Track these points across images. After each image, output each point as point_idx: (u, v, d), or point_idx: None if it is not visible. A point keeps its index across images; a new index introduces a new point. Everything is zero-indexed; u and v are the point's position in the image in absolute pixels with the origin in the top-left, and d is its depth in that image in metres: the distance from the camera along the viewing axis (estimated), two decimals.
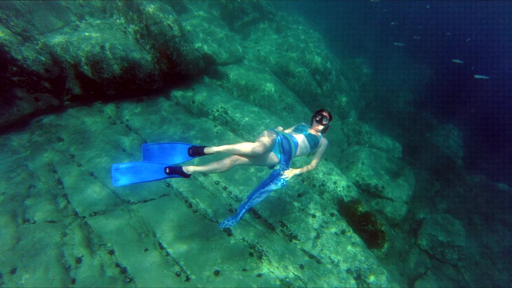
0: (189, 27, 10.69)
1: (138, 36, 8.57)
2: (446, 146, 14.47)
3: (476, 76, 15.30)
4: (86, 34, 7.88)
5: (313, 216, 6.88)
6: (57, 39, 7.58)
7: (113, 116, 8.16)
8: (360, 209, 7.92)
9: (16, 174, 6.07)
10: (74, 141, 7.11)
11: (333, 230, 6.79)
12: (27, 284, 4.44)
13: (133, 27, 8.55)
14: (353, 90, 15.47)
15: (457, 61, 16.08)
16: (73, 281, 4.65)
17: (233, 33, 12.04)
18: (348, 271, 6.13)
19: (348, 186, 8.17)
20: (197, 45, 10.37)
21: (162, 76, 8.92)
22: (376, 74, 18.53)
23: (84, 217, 5.59)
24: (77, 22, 8.28)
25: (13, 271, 4.53)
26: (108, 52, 7.77)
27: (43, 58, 7.32)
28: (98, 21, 8.54)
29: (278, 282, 5.42)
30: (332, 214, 7.14)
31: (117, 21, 8.77)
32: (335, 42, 19.56)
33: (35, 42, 7.42)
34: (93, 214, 5.66)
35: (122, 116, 8.23)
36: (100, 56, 7.69)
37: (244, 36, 13.68)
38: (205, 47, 10.46)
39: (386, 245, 7.89)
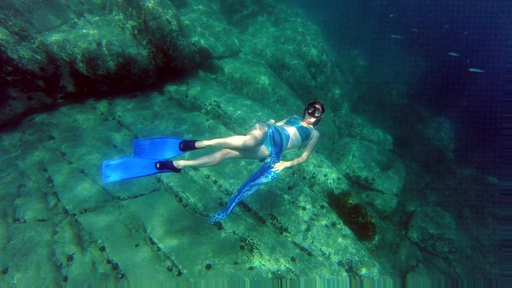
0: (187, 22, 10.72)
1: (135, 31, 8.56)
2: (437, 139, 14.49)
3: (471, 70, 15.34)
4: (84, 31, 7.89)
5: (303, 208, 6.91)
6: (54, 37, 7.57)
7: (105, 113, 8.14)
8: (350, 201, 7.96)
9: (6, 174, 6.06)
10: (65, 139, 7.08)
11: (324, 222, 6.82)
12: (19, 283, 4.44)
13: (131, 22, 8.54)
14: (347, 82, 15.49)
15: (453, 54, 16.11)
16: (65, 278, 4.65)
17: (231, 27, 12.10)
18: (340, 263, 6.16)
19: (339, 179, 8.19)
20: (194, 39, 10.40)
21: (157, 71, 8.92)
22: (371, 66, 18.53)
23: (74, 214, 5.58)
24: (76, 20, 8.27)
25: (4, 271, 4.53)
26: (104, 49, 7.77)
27: (39, 57, 7.30)
28: (96, 18, 8.54)
29: (270, 275, 5.44)
30: (322, 207, 7.18)
31: (116, 17, 8.77)
32: (333, 34, 19.50)
33: (32, 41, 7.39)
34: (83, 211, 5.65)
35: (115, 112, 8.21)
36: (96, 53, 7.69)
37: (242, 29, 13.70)
38: (202, 41, 10.50)
39: (376, 237, 7.93)
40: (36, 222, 5.31)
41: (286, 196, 7.05)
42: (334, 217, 7.05)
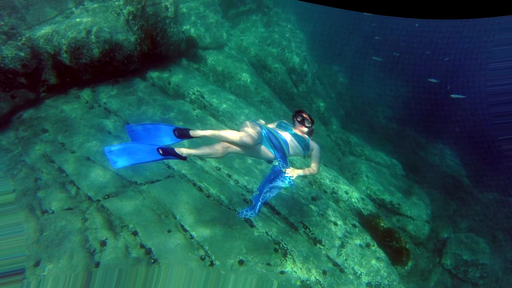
0: (184, 9, 11.98)
1: (130, 17, 9.38)
2: (446, 166, 15.89)
3: (452, 96, 17.19)
4: (77, 20, 8.72)
5: (335, 224, 7.74)
6: (43, 31, 8.38)
7: (90, 101, 8.91)
8: (382, 224, 8.88)
9: (18, 170, 6.65)
10: (59, 130, 7.79)
11: (358, 241, 7.66)
12: (50, 274, 4.96)
13: (129, 8, 9.33)
14: (330, 97, 16.99)
15: (433, 80, 17.89)
16: (97, 264, 5.22)
17: (224, 20, 13.44)
18: (368, 284, 6.93)
19: (362, 199, 9.21)
20: (185, 27, 11.63)
21: (140, 56, 9.78)
22: (351, 85, 20.09)
23: (98, 200, 6.21)
24: (73, 9, 9.14)
25: (37, 264, 5.06)
26: (92, 36, 8.55)
27: (22, 54, 7.98)
28: (95, 5, 9.40)
29: (298, 283, 6.09)
30: (354, 225, 8.07)
31: (116, 3, 9.56)
32: (317, 46, 20.92)
33: (19, 38, 8.15)
34: (106, 197, 6.29)
35: (99, 99, 9.00)
36: (83, 41, 8.45)
37: (234, 24, 15.02)
38: (192, 30, 11.80)
39: (410, 263, 8.78)
40: (64, 212, 5.92)
41: (313, 207, 7.89)
42: (368, 238, 7.93)
